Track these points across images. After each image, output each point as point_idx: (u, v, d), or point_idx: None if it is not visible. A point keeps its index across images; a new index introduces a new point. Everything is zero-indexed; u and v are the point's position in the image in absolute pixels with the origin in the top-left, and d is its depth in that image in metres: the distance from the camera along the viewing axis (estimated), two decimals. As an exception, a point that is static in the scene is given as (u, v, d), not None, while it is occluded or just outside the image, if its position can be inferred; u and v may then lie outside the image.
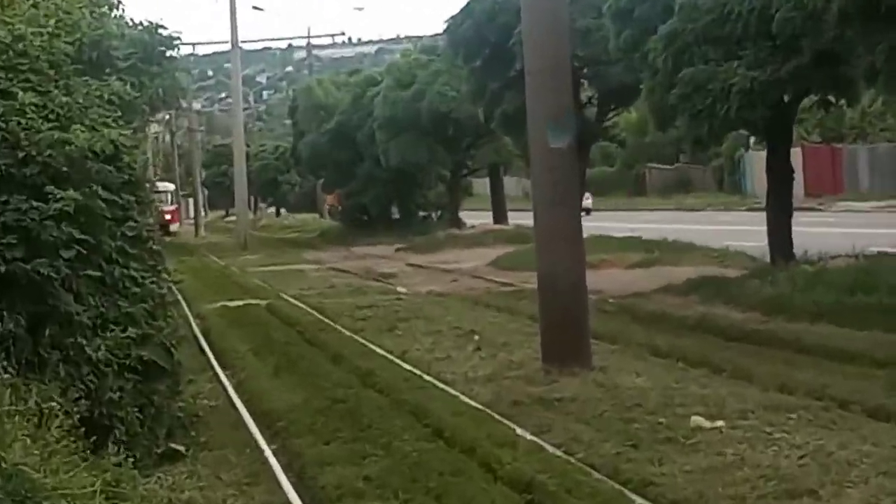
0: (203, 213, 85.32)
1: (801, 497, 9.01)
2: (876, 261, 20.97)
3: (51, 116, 10.44)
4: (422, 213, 56.93)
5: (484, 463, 10.37)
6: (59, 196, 9.71)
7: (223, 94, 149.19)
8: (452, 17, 35.45)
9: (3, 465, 6.84)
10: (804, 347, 15.80)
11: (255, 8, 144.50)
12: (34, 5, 12.78)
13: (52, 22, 12.22)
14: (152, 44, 22.67)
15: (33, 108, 10.21)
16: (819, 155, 57.64)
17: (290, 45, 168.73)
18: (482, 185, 61.35)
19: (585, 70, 31.05)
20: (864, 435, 10.70)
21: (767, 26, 19.65)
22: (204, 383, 15.94)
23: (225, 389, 15.44)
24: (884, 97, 23.95)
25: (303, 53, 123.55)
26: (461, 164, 52.20)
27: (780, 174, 23.49)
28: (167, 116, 75.54)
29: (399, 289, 28.34)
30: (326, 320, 21.69)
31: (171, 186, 75.32)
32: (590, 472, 9.97)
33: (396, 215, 56.82)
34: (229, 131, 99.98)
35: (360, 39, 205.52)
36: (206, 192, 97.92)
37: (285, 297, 26.89)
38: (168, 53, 23.22)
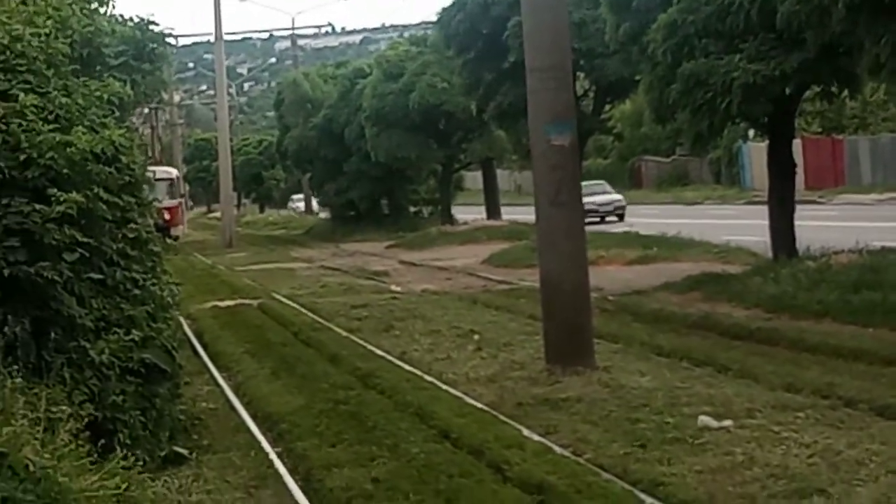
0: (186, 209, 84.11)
1: (811, 496, 8.97)
2: (880, 256, 20.68)
3: (51, 118, 10.36)
4: (412, 209, 56.58)
5: (493, 464, 10.32)
6: (61, 199, 9.61)
7: (203, 87, 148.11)
8: (445, 9, 35.42)
9: (32, 468, 6.80)
10: (809, 346, 15.71)
11: None
12: (23, 2, 12.64)
13: (48, 22, 12.10)
14: (143, 41, 22.49)
15: (33, 109, 10.11)
16: (820, 147, 56.57)
17: (272, 35, 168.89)
18: (472, 179, 60.87)
19: (581, 62, 30.85)
20: (872, 433, 10.67)
21: (770, 19, 19.29)
22: (201, 386, 15.79)
23: (223, 392, 15.29)
24: (887, 88, 23.62)
25: (285, 43, 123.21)
26: (452, 159, 51.35)
27: (782, 168, 23.26)
28: (147, 110, 73.84)
29: (393, 287, 28.07)
30: (321, 320, 21.48)
31: (174, 172, 58.20)
32: (599, 473, 9.92)
33: (386, 211, 56.53)
34: (210, 124, 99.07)
35: (343, 29, 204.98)
36: (188, 187, 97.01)
37: (277, 296, 26.68)
38: (158, 50, 23.03)
